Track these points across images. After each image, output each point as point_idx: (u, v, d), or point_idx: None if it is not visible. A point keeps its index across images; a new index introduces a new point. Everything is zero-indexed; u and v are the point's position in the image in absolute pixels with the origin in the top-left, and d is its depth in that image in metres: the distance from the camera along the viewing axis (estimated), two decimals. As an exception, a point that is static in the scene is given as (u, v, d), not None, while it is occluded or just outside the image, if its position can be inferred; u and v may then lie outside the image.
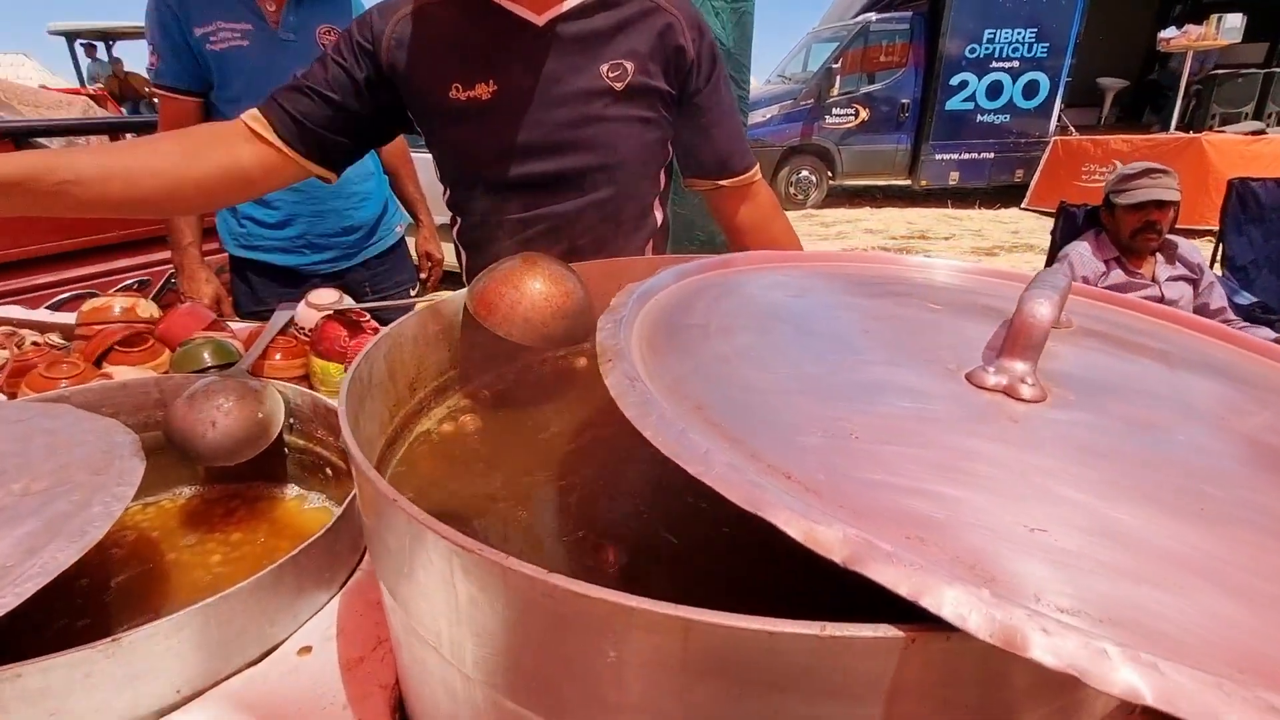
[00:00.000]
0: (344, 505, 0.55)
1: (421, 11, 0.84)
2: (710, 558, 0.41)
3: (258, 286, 1.46)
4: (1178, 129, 6.86)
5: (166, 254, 2.05)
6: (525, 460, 0.52)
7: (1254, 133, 6.25)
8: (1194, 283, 2.12)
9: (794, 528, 0.23)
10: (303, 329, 0.88)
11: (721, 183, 0.99)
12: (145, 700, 0.42)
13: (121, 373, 0.77)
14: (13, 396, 0.78)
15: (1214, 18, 6.44)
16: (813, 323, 0.47)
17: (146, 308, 0.90)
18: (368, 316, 0.85)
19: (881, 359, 0.41)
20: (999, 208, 7.39)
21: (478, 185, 0.91)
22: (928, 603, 0.21)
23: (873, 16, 7.17)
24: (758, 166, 1.02)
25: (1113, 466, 0.31)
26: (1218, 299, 2.13)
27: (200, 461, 0.66)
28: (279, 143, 0.82)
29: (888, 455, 0.30)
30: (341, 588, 0.54)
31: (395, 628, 0.35)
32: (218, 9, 1.26)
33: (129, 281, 1.84)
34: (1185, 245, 2.14)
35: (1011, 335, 0.38)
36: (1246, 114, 7.26)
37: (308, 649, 0.48)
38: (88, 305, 0.89)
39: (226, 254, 1.48)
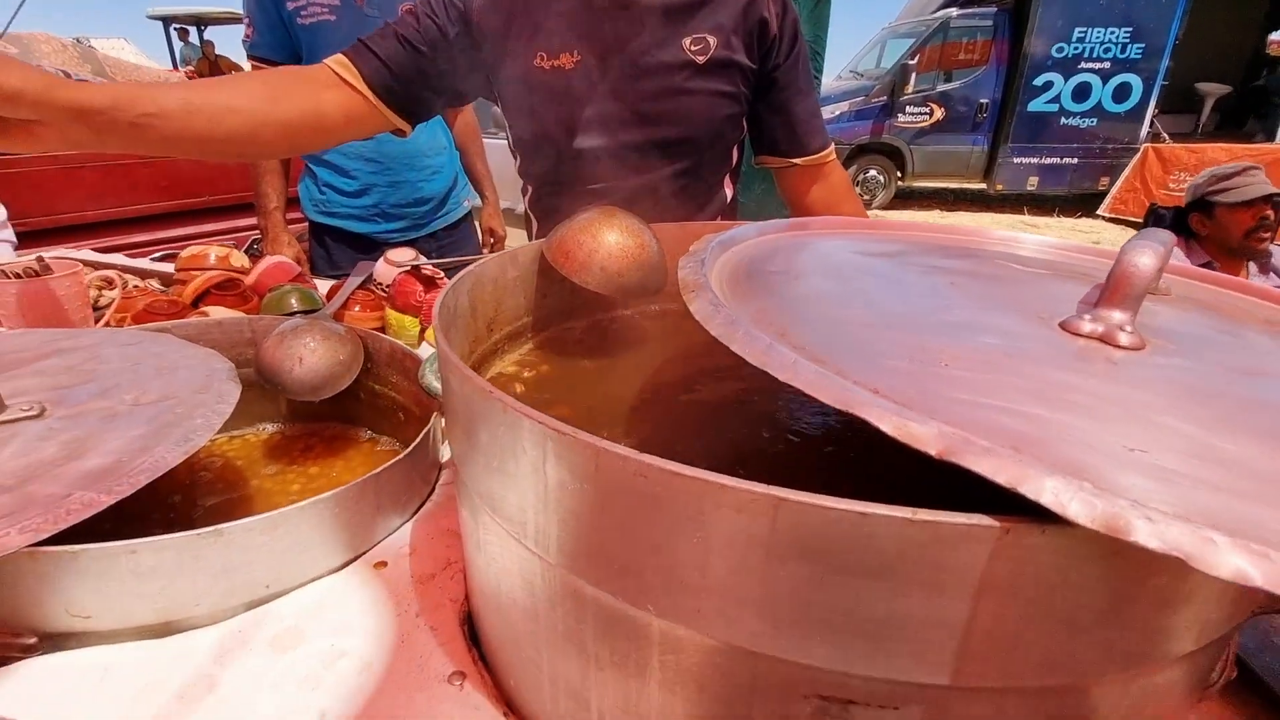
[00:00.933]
0: (420, 435, 0.57)
1: None
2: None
3: (334, 251, 1.53)
4: (1283, 138, 6.37)
5: (251, 220, 2.18)
6: (594, 401, 0.53)
7: (1372, 145, 5.75)
8: (1293, 295, 1.97)
9: (887, 423, 0.23)
10: (380, 284, 0.92)
11: (795, 161, 0.98)
12: (239, 590, 0.45)
13: (217, 313, 0.82)
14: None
15: (1333, 18, 5.94)
16: (897, 275, 0.46)
17: (239, 258, 0.96)
18: (442, 274, 0.88)
19: (970, 306, 0.40)
20: (1079, 216, 7.03)
21: (554, 154, 0.92)
22: (1027, 489, 0.21)
23: (954, 12, 6.91)
24: (833, 146, 1.01)
25: (1214, 405, 0.30)
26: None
27: (286, 394, 0.70)
28: (365, 89, 0.83)
29: (979, 382, 0.30)
30: (414, 515, 0.57)
31: (475, 531, 0.37)
32: (309, -16, 1.33)
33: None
34: (1280, 255, 1.99)
35: (1112, 283, 0.36)
36: (1366, 124, 6.68)
37: (383, 563, 0.51)
38: (186, 252, 0.95)
39: (306, 221, 1.56)
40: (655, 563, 0.26)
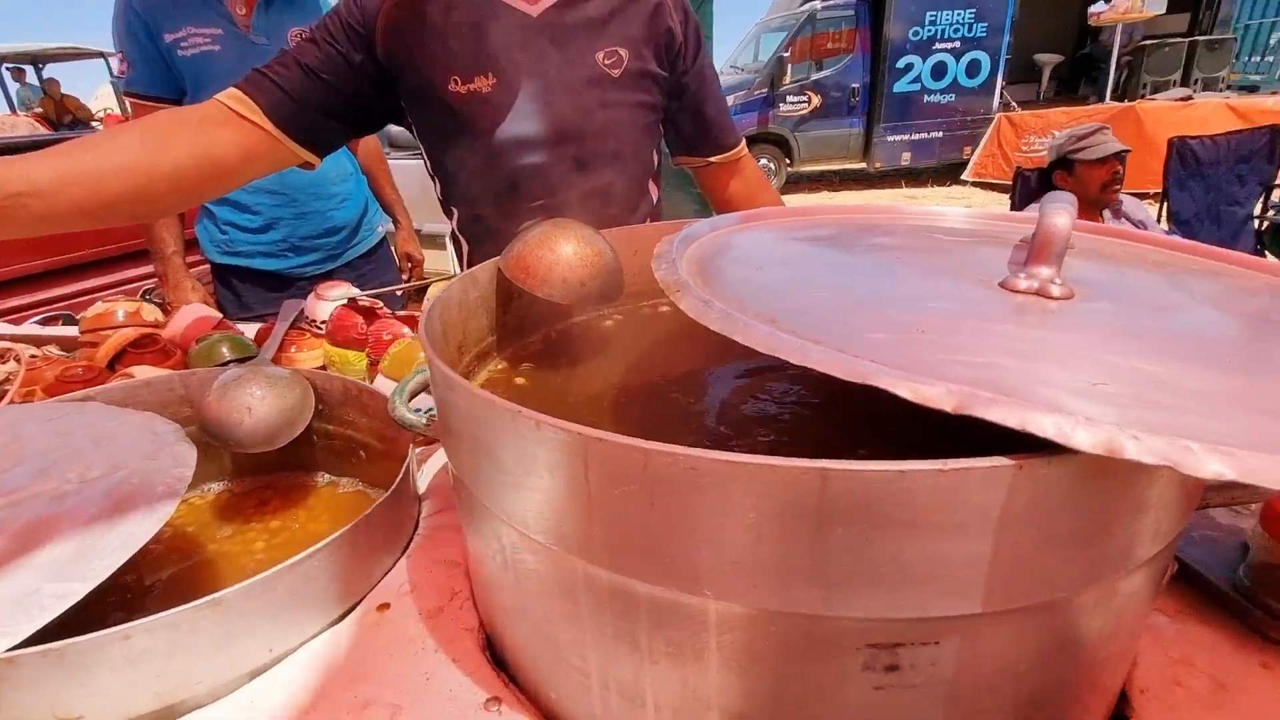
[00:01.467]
0: (400, 474, 0.56)
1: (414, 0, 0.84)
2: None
3: (243, 293, 1.45)
4: (1112, 99, 7.16)
5: (141, 269, 2.01)
6: (578, 408, 0.54)
7: (1182, 99, 6.57)
8: (1142, 238, 2.24)
9: (902, 389, 0.26)
10: (314, 321, 0.88)
11: (712, 159, 1.02)
12: (240, 660, 0.43)
13: (142, 373, 0.77)
14: (26, 406, 0.77)
15: (1139, -9, 6.74)
16: (847, 256, 0.50)
17: (151, 311, 0.90)
18: (380, 304, 0.86)
19: (918, 277, 0.45)
20: (950, 184, 7.61)
21: (479, 178, 0.91)
22: (1034, 428, 0.24)
23: (818, 4, 7.30)
24: (744, 141, 1.06)
25: (1145, 338, 0.35)
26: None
27: (238, 448, 0.66)
28: (265, 123, 0.78)
29: (953, 342, 0.33)
30: (404, 552, 0.56)
31: (499, 553, 0.37)
32: (187, 14, 1.24)
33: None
34: (1130, 202, 2.25)
35: (1038, 243, 0.41)
36: (1174, 81, 7.60)
37: (386, 605, 0.50)
38: (90, 312, 0.88)
39: (208, 264, 1.46)
40: (710, 549, 0.28)
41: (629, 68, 0.88)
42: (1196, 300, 0.42)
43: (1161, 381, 0.30)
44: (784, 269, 0.46)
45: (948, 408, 0.26)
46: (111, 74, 9.52)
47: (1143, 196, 2.37)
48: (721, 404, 0.52)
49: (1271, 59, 9.45)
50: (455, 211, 0.98)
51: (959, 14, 7.07)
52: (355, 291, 0.88)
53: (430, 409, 0.74)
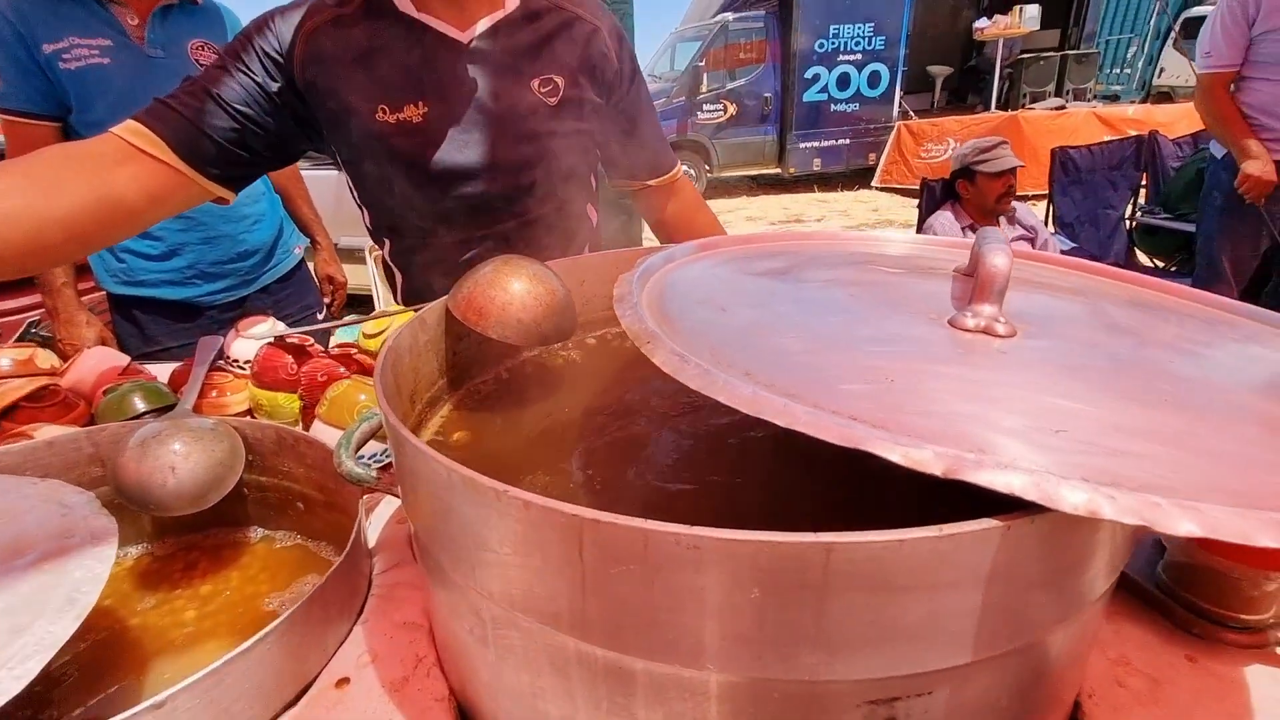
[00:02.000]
0: (353, 535, 0.53)
1: (335, 25, 0.79)
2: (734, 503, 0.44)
3: (147, 325, 1.33)
4: (997, 108, 7.74)
5: (14, 302, 1.81)
6: (537, 455, 0.53)
7: (1057, 108, 7.20)
8: (1031, 241, 2.44)
9: (894, 454, 0.27)
10: (237, 361, 0.82)
11: (650, 182, 1.03)
12: (186, 761, 0.39)
13: (43, 431, 0.69)
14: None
15: (1017, 8, 7.33)
16: (803, 290, 0.51)
17: (46, 357, 0.81)
18: (311, 341, 0.81)
19: (874, 316, 0.46)
20: (858, 189, 8.01)
21: (412, 209, 0.87)
22: (1019, 491, 0.25)
23: (730, 16, 7.52)
24: (680, 164, 1.07)
25: (1090, 378, 0.38)
26: (1053, 252, 2.46)
27: (162, 512, 0.61)
28: (174, 159, 0.71)
29: (922, 391, 0.35)
30: (358, 617, 0.53)
31: (476, 626, 0.36)
32: (70, 24, 1.13)
33: (-29, 338, 1.59)
34: (1022, 209, 2.45)
35: (980, 283, 0.44)
36: (1049, 92, 8.31)
37: (345, 680, 0.47)
38: (-33, 363, 0.78)
39: (104, 293, 1.33)
40: (713, 625, 0.28)
41: (565, 95, 0.86)
42: (1119, 331, 0.46)
43: (1115, 425, 0.32)
44: (748, 310, 0.47)
45: (937, 472, 0.27)
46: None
47: (1024, 198, 2.58)
48: (681, 438, 0.53)
49: (1129, 70, 10.50)
50: (386, 241, 0.94)
51: (859, 27, 7.47)
52: (281, 328, 0.83)
53: (378, 455, 0.71)
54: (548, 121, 0.86)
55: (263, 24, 0.78)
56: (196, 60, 1.27)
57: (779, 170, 8.10)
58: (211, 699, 0.39)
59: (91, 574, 0.45)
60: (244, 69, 0.76)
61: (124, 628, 0.61)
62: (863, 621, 0.27)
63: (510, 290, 0.56)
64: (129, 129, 0.71)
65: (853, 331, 0.44)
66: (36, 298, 1.65)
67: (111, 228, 0.68)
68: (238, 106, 0.75)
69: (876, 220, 6.59)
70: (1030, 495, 0.25)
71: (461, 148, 0.82)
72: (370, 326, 0.82)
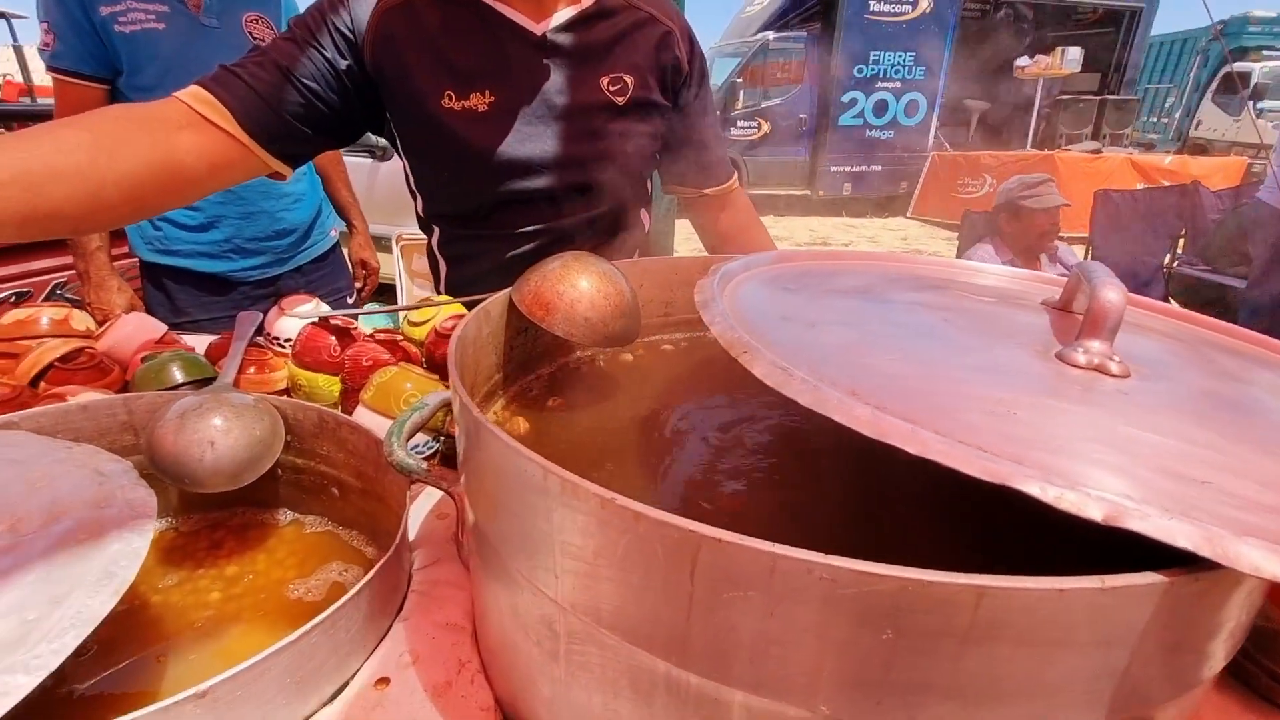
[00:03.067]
0: (400, 530, 0.51)
1: (410, 7, 0.78)
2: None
3: (176, 296, 1.32)
4: (1032, 147, 7.70)
5: (47, 262, 1.81)
6: (594, 461, 0.50)
7: (1093, 151, 7.14)
8: (1073, 281, 2.40)
9: (1047, 495, 0.25)
10: (277, 339, 0.81)
11: (706, 191, 1.01)
12: (220, 754, 0.37)
13: (75, 393, 0.67)
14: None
15: (1059, 49, 7.31)
16: (891, 314, 0.49)
17: (81, 319, 0.79)
18: (355, 323, 0.79)
19: (974, 344, 0.44)
20: (887, 216, 7.97)
21: (466, 198, 0.86)
22: (1200, 550, 0.23)
23: (770, 35, 7.54)
24: (736, 175, 1.05)
25: (1219, 427, 0.35)
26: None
27: (196, 488, 0.59)
28: (238, 131, 0.70)
29: (1049, 427, 0.32)
30: (398, 614, 0.50)
31: (541, 640, 0.33)
32: (129, -14, 1.13)
33: (3, 294, 1.58)
34: (1064, 248, 2.41)
35: (1093, 320, 0.41)
36: (1085, 135, 8.27)
37: (385, 680, 0.44)
38: (8, 318, 0.76)
39: (135, 260, 1.33)
40: (834, 663, 0.25)
41: (633, 96, 0.85)
42: (1233, 379, 0.43)
43: (1258, 479, 0.29)
44: (839, 328, 0.45)
45: (1097, 518, 0.24)
46: (13, 36, 8.74)
47: (1060, 240, 2.56)
48: (750, 446, 0.50)
49: (1166, 120, 10.44)
50: (435, 229, 0.93)
51: (900, 55, 7.46)
52: (325, 309, 0.81)
53: (420, 447, 0.69)
54: (614, 120, 0.84)
55: (337, 1, 0.77)
56: (249, 33, 1.27)
57: (808, 192, 8.08)
58: (253, 691, 0.37)
59: (130, 548, 0.43)
60: (315, 44, 0.75)
61: (145, 603, 0.59)
62: (1001, 674, 0.24)
63: (579, 287, 0.54)
64: (195, 96, 0.69)
65: (957, 359, 0.41)
66: (65, 259, 1.65)
67: (169, 193, 0.67)
68: (306, 82, 0.74)
69: (906, 249, 6.56)
70: (1203, 551, 0.23)
71: (524, 140, 0.81)
72: (416, 315, 0.80)
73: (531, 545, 0.32)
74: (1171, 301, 3.22)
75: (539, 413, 0.57)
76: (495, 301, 0.56)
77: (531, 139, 0.81)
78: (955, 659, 0.24)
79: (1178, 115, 10.30)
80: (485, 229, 0.87)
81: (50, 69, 1.16)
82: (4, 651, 0.35)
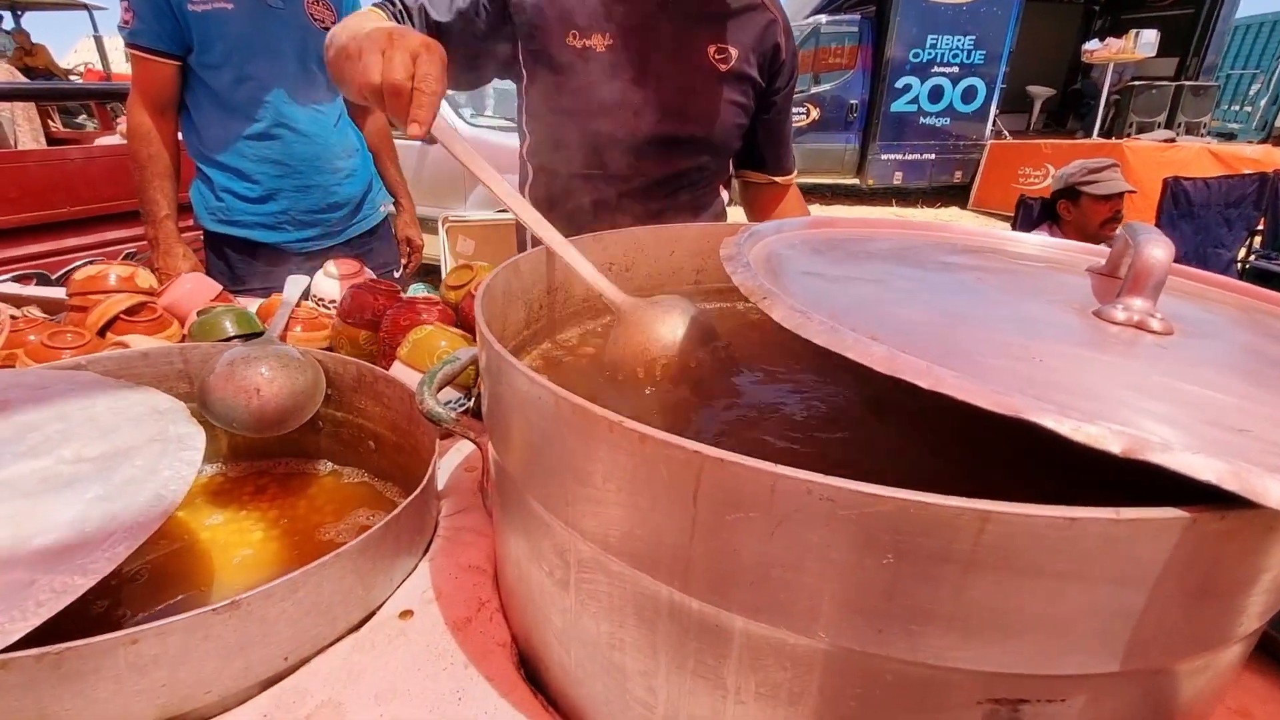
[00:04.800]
0: (427, 474, 0.52)
1: None
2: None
3: (236, 264, 1.38)
4: (1099, 136, 7.31)
5: (123, 232, 1.92)
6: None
7: (1166, 140, 6.74)
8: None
9: (1063, 427, 0.24)
10: (322, 300, 0.84)
11: (776, 179, 1.06)
12: (255, 668, 0.39)
13: (138, 343, 0.71)
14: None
15: (1132, 33, 6.90)
16: (922, 273, 0.48)
17: (145, 277, 0.84)
18: (398, 286, 0.82)
19: (1007, 299, 0.42)
20: (940, 206, 7.71)
21: (570, 134, 0.91)
22: (1226, 483, 0.22)
23: (823, 19, 7.35)
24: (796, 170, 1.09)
25: (1264, 381, 0.33)
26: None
27: (242, 431, 0.62)
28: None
29: (1078, 373, 0.31)
30: (424, 554, 0.52)
31: (558, 569, 0.34)
32: (202, -32, 1.19)
33: (80, 261, 1.69)
34: (1127, 238, 2.28)
35: (1135, 275, 0.39)
36: (1159, 123, 7.80)
37: (409, 612, 0.46)
38: (81, 274, 0.82)
39: (200, 232, 1.40)
40: (834, 589, 0.25)
41: (734, 67, 0.90)
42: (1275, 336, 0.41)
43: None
44: (866, 284, 0.44)
45: (1116, 450, 0.23)
46: (95, 27, 9.22)
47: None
48: (780, 420, 0.50)
49: (1250, 109, 9.78)
50: (530, 172, 0.97)
51: (959, 39, 7.17)
52: (369, 272, 0.84)
53: (452, 403, 0.71)
54: (714, 84, 0.89)
55: None
56: (311, 15, 1.31)
57: (857, 180, 7.87)
58: (283, 609, 0.39)
59: (179, 475, 0.46)
60: None
61: (193, 539, 0.62)
62: (1008, 606, 0.24)
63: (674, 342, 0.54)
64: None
65: (986, 311, 0.40)
66: (137, 230, 1.76)
67: None
68: (458, 4, 0.81)
69: (954, 241, 6.33)
70: (1228, 485, 0.22)
71: (634, 84, 0.86)
72: (453, 278, 0.82)
73: (545, 473, 0.33)
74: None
75: (569, 372, 0.58)
76: (526, 257, 0.57)
77: (640, 84, 0.86)
78: (958, 588, 0.24)
79: (1263, 104, 9.62)
80: (582, 169, 0.91)
81: (128, 45, 1.22)
82: (65, 556, 0.38)
